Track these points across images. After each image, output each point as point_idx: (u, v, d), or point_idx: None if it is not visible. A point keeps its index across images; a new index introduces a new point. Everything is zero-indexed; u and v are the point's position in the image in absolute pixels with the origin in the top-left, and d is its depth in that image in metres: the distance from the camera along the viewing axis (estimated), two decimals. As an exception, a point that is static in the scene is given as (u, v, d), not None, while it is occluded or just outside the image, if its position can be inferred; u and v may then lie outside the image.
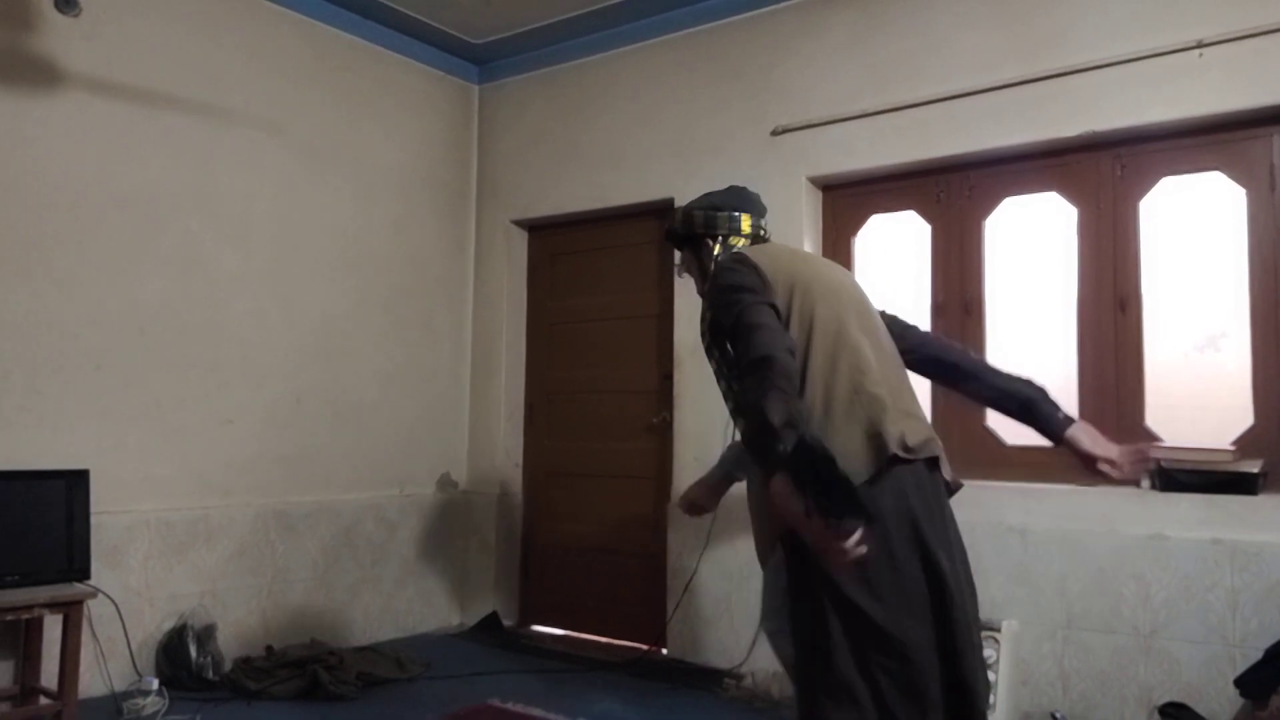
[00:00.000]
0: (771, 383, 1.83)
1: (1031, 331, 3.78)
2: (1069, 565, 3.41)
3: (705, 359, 2.26)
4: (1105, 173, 3.63)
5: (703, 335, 2.19)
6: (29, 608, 3.20)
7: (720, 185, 4.45)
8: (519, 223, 5.21)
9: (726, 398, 2.16)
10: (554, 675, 4.08)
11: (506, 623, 4.91)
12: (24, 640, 3.41)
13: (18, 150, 3.52)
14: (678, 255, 2.58)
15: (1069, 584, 3.40)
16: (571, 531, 4.89)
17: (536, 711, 3.45)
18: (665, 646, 4.31)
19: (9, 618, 3.19)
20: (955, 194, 3.94)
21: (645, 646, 4.38)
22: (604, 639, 4.64)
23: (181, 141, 4.00)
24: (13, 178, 3.51)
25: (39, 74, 3.58)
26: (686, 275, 2.56)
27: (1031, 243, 3.81)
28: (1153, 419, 3.49)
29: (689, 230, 2.45)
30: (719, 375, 2.18)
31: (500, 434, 5.09)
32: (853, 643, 1.89)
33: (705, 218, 2.44)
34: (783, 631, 2.07)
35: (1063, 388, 3.65)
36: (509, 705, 3.56)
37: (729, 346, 2.08)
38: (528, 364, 5.17)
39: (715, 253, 2.39)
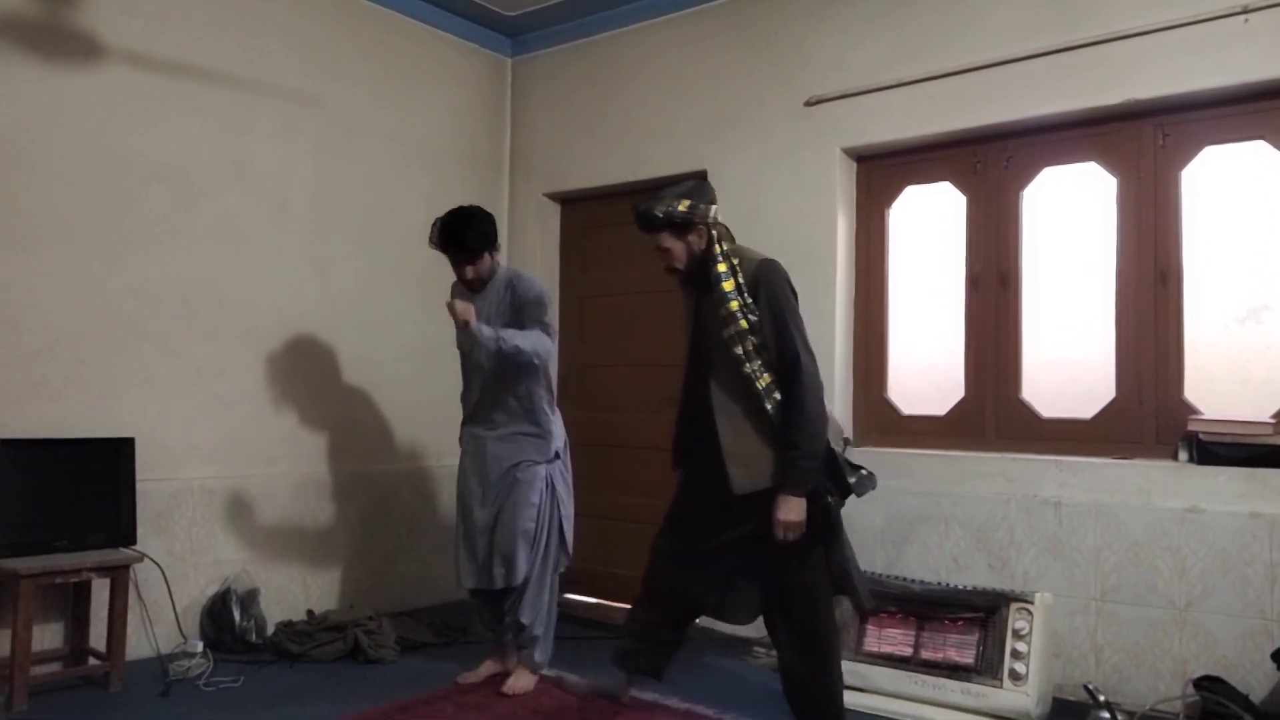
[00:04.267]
0: (824, 424, 2.71)
1: (1069, 305, 3.75)
2: (1103, 538, 3.39)
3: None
4: (1146, 142, 3.57)
5: (747, 310, 2.71)
6: (77, 571, 3.29)
7: (754, 157, 4.48)
8: (551, 196, 5.22)
9: (755, 375, 2.68)
10: (587, 642, 4.14)
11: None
12: (73, 603, 3.52)
13: (59, 124, 3.58)
14: (666, 238, 2.84)
15: (1103, 556, 3.39)
16: (603, 502, 4.93)
17: (571, 677, 3.49)
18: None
19: (59, 581, 3.29)
20: (992, 164, 3.89)
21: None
22: (636, 608, 4.68)
23: (219, 115, 4.04)
24: (55, 152, 3.57)
25: (79, 48, 3.63)
26: (667, 254, 2.85)
27: (1070, 214, 3.76)
28: (1192, 392, 3.45)
29: (689, 219, 2.79)
30: (756, 351, 2.69)
31: (533, 406, 5.13)
32: None
33: (705, 209, 2.80)
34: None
35: (1101, 361, 3.63)
36: (543, 672, 3.61)
37: (771, 338, 2.70)
38: (560, 337, 5.19)
39: (708, 237, 2.81)
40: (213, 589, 3.93)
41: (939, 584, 3.43)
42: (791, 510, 2.64)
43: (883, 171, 4.18)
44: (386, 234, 4.70)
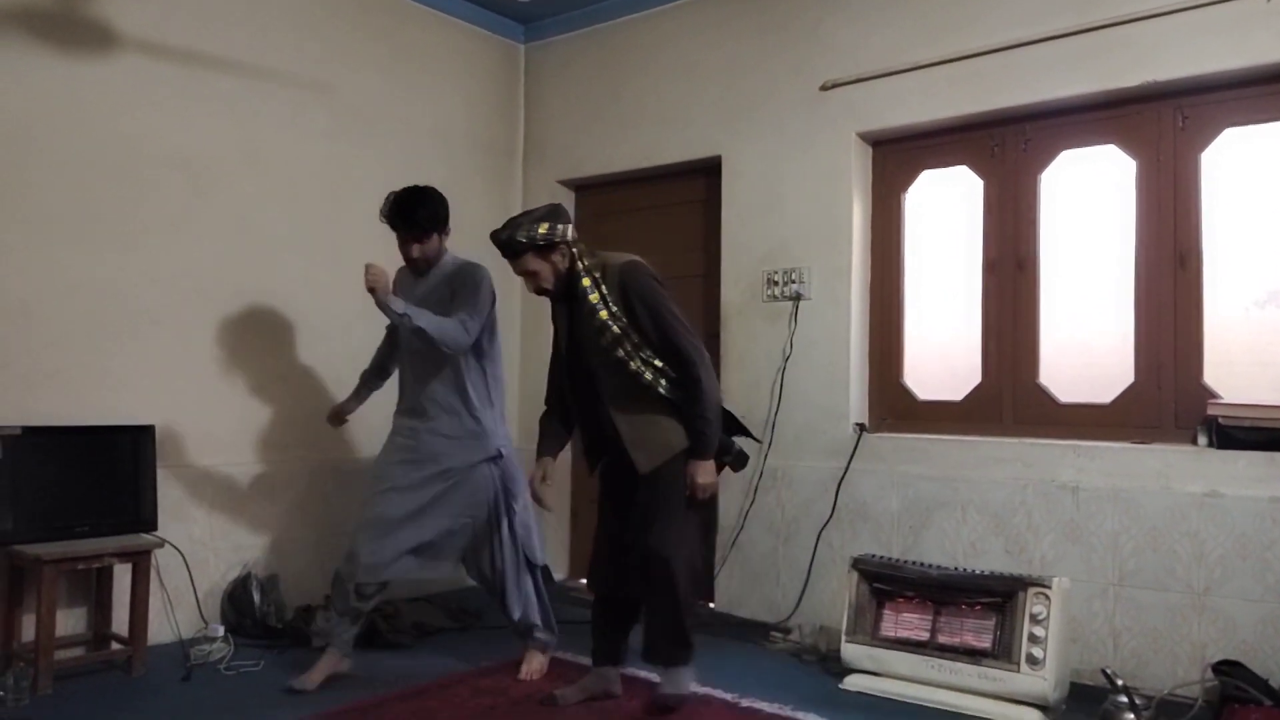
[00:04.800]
0: (718, 393, 3.10)
1: (1088, 288, 3.72)
2: (1122, 523, 3.38)
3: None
4: (1166, 124, 3.54)
5: (615, 318, 2.97)
6: (99, 557, 3.33)
7: (769, 143, 4.47)
8: (565, 183, 5.22)
9: (640, 371, 2.97)
10: (603, 628, 4.14)
11: (557, 576, 4.99)
12: (96, 588, 3.55)
13: (71, 113, 3.58)
14: (532, 260, 3.02)
15: (1121, 541, 3.38)
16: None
17: (560, 690, 3.49)
18: (713, 600, 4.35)
19: (81, 566, 3.32)
20: (1010, 147, 3.87)
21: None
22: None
23: (231, 102, 4.05)
24: (67, 140, 3.57)
25: (91, 37, 3.64)
26: (535, 276, 3.04)
27: (1089, 197, 3.74)
28: (1211, 375, 3.43)
29: (551, 240, 2.99)
30: (635, 350, 2.98)
31: (548, 392, 5.14)
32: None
33: (564, 229, 3.02)
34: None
35: (1119, 345, 3.61)
36: (561, 654, 3.63)
37: (652, 331, 2.97)
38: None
39: (569, 255, 3.04)
40: (233, 574, 3.97)
41: (956, 569, 3.43)
42: (706, 473, 3.04)
43: (899, 156, 4.16)
44: (401, 221, 4.69)
